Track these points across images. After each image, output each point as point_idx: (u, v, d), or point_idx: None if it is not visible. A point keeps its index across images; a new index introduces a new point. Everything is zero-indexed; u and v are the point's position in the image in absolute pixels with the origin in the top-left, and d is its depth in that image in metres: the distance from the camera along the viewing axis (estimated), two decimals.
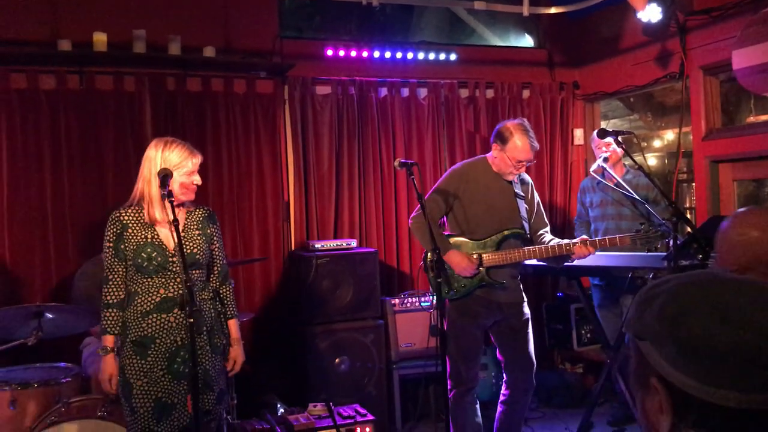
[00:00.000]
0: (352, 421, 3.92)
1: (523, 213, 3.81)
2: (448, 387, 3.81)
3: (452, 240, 3.77)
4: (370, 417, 3.99)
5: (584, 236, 3.78)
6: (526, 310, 3.85)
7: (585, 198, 4.86)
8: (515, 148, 3.65)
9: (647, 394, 0.92)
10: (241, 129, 4.95)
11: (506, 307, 3.77)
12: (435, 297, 3.21)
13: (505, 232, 3.74)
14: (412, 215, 3.83)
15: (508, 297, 3.77)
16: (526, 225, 3.81)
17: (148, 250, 2.86)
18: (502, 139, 3.69)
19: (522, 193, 3.85)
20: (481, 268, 3.68)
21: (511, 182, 3.81)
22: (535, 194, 3.96)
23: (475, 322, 3.75)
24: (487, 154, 3.87)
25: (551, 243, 3.74)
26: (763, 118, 4.74)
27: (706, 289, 0.90)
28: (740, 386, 0.83)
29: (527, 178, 3.95)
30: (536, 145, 3.74)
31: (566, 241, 3.73)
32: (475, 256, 3.69)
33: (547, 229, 3.93)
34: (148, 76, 4.67)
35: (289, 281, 4.98)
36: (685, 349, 0.87)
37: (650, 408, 0.92)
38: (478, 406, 3.89)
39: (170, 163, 2.85)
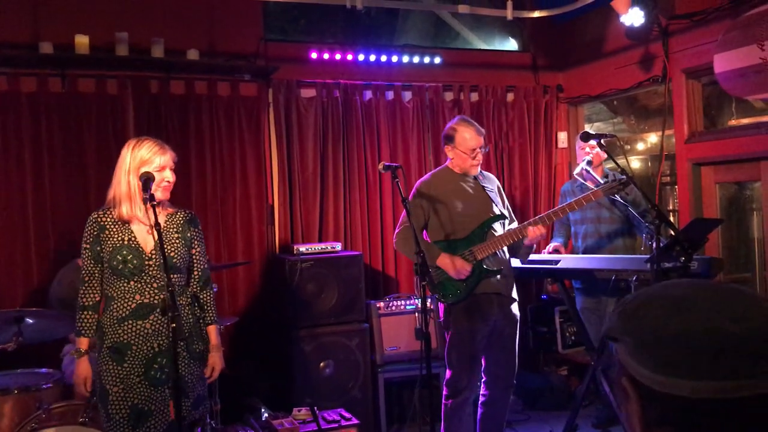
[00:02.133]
0: (337, 425, 3.91)
1: (496, 202, 3.87)
2: (444, 394, 3.81)
3: (440, 246, 3.78)
4: (355, 421, 3.99)
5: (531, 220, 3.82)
6: (517, 311, 3.88)
7: (565, 202, 4.87)
8: (464, 140, 3.81)
9: (624, 398, 0.93)
10: (225, 132, 4.93)
11: (503, 302, 3.78)
12: (420, 300, 3.20)
13: (486, 222, 3.78)
14: (394, 233, 3.86)
15: (505, 289, 3.79)
16: (502, 210, 3.87)
17: (124, 252, 2.82)
18: (449, 138, 3.86)
19: (490, 187, 3.92)
20: (474, 262, 3.68)
21: (476, 179, 3.89)
22: (503, 194, 4.02)
23: (478, 324, 3.73)
24: (447, 163, 3.97)
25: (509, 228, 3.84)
26: (745, 121, 4.79)
27: (666, 288, 0.92)
28: (692, 374, 0.83)
29: (493, 178, 4.05)
30: (482, 129, 3.90)
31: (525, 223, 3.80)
32: (467, 253, 3.71)
33: (515, 224, 3.98)
34: (130, 79, 4.64)
35: (274, 285, 4.96)
36: (640, 340, 0.88)
37: (629, 412, 0.92)
38: (472, 417, 3.89)
39: (139, 159, 2.83)
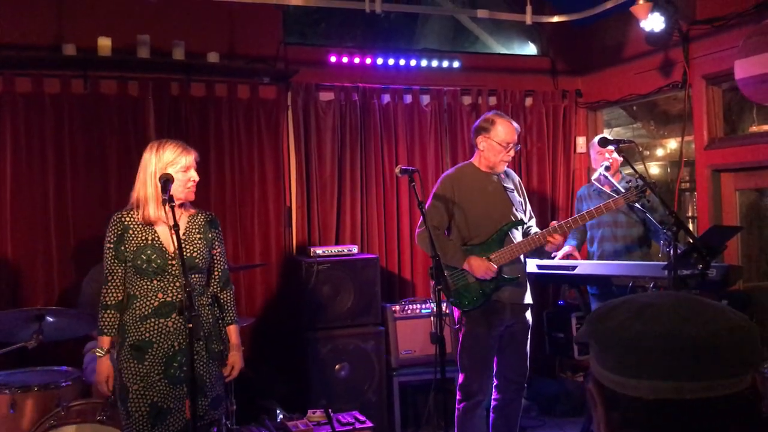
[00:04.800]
0: (351, 427, 3.92)
1: (517, 205, 3.86)
2: (457, 398, 3.81)
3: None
4: (369, 424, 4.00)
5: (553, 222, 3.82)
6: (530, 316, 3.87)
7: (582, 206, 4.85)
8: (501, 132, 3.76)
9: (592, 404, 0.94)
10: (244, 134, 4.96)
11: (516, 310, 3.78)
12: (436, 304, 3.21)
13: (504, 227, 3.76)
14: (417, 230, 3.82)
15: (519, 297, 3.78)
16: (521, 215, 3.85)
17: (148, 252, 2.87)
18: (485, 128, 3.80)
19: (511, 187, 3.90)
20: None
21: (499, 178, 3.87)
22: (523, 188, 4.01)
23: (490, 329, 3.74)
24: (471, 159, 3.94)
25: (532, 234, 3.83)
26: (766, 127, 4.73)
27: (635, 296, 0.95)
28: (651, 375, 0.85)
29: (513, 173, 4.03)
30: (518, 126, 3.87)
31: (543, 230, 3.78)
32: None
33: (533, 221, 4.00)
34: (152, 81, 4.69)
35: (290, 287, 4.99)
36: (603, 342, 0.91)
37: (596, 418, 0.94)
38: (485, 421, 3.89)
39: (164, 161, 2.87)
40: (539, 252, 3.87)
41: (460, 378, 3.79)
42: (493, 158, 3.79)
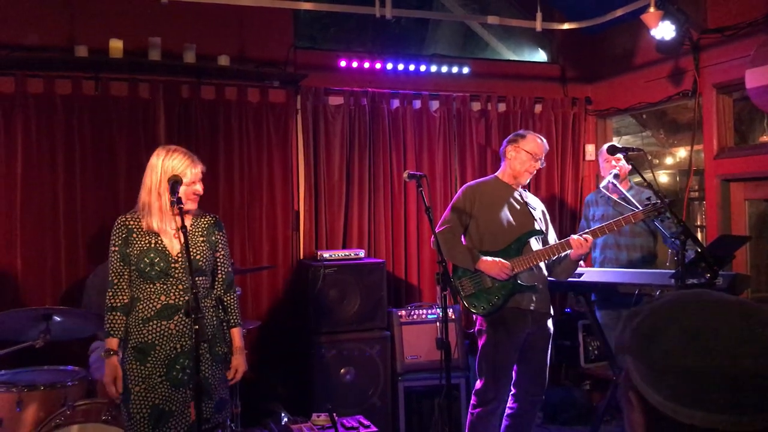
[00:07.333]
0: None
1: (538, 219, 3.88)
2: (472, 402, 3.82)
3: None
4: (374, 428, 3.99)
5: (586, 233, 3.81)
6: (551, 325, 3.88)
7: (588, 212, 4.87)
8: (532, 143, 3.87)
9: (629, 408, 0.93)
10: (254, 137, 4.98)
11: (537, 317, 3.78)
12: (442, 310, 3.20)
13: (523, 236, 3.78)
14: (438, 229, 3.82)
15: (539, 305, 3.78)
16: (540, 227, 3.86)
17: (151, 255, 2.88)
18: (516, 139, 3.91)
19: (533, 206, 3.92)
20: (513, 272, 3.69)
21: (521, 196, 3.91)
22: (548, 217, 4.01)
23: (511, 336, 3.74)
24: (496, 173, 3.98)
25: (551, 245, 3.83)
26: None
27: (684, 309, 0.91)
28: (705, 406, 0.84)
29: (539, 201, 4.06)
30: (547, 146, 3.97)
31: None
32: None
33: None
34: (162, 84, 4.72)
35: (297, 290, 4.99)
36: (655, 366, 0.88)
37: (633, 421, 0.93)
38: (497, 430, 3.89)
39: (172, 172, 2.87)
40: (553, 266, 3.87)
41: (478, 384, 3.81)
42: (519, 167, 3.85)
